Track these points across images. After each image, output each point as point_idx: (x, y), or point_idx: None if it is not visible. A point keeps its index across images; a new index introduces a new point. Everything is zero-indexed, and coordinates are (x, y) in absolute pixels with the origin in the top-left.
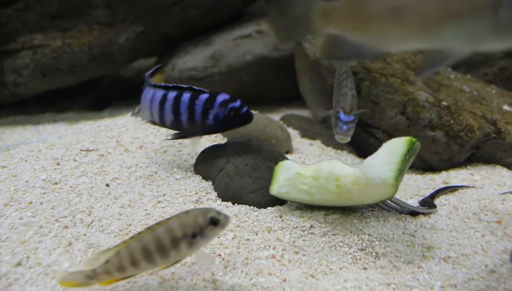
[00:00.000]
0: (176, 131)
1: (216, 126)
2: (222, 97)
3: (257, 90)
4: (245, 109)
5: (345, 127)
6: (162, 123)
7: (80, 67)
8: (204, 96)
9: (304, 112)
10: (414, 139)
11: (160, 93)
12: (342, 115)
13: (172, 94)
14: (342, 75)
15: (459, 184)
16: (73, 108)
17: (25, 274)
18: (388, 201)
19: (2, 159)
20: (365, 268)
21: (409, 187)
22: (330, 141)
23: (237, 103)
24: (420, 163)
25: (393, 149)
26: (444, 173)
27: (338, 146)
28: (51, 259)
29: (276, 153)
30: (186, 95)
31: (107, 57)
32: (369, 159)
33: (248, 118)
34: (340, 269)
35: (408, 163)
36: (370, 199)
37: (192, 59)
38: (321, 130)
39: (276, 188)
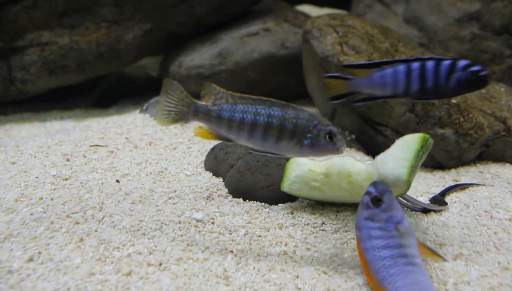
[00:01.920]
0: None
1: (458, 89)
2: (464, 62)
3: (264, 88)
4: (484, 73)
5: (342, 137)
6: (406, 93)
7: (87, 65)
8: (446, 62)
9: (311, 111)
10: (427, 136)
11: (403, 66)
12: (336, 130)
13: (416, 64)
14: (260, 110)
15: (469, 182)
16: (80, 105)
17: (37, 269)
18: (400, 198)
19: (12, 155)
20: None
21: (419, 184)
22: None
23: (478, 67)
24: (430, 161)
25: (406, 146)
26: (453, 171)
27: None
28: (62, 255)
29: None
30: (431, 63)
31: (114, 54)
32: (382, 156)
33: (485, 80)
34: (354, 265)
35: (421, 159)
36: None
37: (199, 57)
38: None
39: (288, 185)
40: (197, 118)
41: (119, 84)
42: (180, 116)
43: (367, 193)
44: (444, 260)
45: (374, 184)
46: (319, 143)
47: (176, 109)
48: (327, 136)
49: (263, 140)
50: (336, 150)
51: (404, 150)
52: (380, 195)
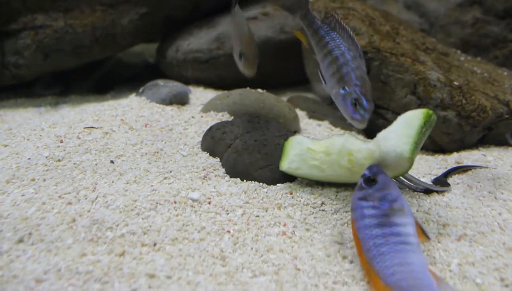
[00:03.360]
0: None
1: None
2: None
3: (262, 72)
4: None
5: (367, 115)
6: None
7: (82, 48)
8: None
9: (310, 96)
10: (431, 111)
11: None
12: (366, 103)
13: None
14: (341, 47)
15: (472, 164)
16: (76, 92)
17: (27, 250)
18: (401, 178)
19: (4, 138)
20: None
21: (420, 166)
22: (338, 122)
23: None
24: (431, 144)
25: (409, 122)
26: (455, 154)
27: (346, 127)
28: (54, 236)
29: (285, 130)
30: None
31: (110, 38)
32: (384, 132)
33: None
34: (353, 246)
35: (424, 136)
36: None
37: (196, 41)
38: (329, 111)
39: (286, 164)
40: (301, 21)
41: (115, 71)
42: (292, 10)
43: (362, 175)
44: (428, 238)
45: (369, 167)
46: (346, 102)
47: (295, 3)
48: (354, 101)
49: (326, 69)
50: (353, 119)
51: (406, 126)
52: (373, 176)
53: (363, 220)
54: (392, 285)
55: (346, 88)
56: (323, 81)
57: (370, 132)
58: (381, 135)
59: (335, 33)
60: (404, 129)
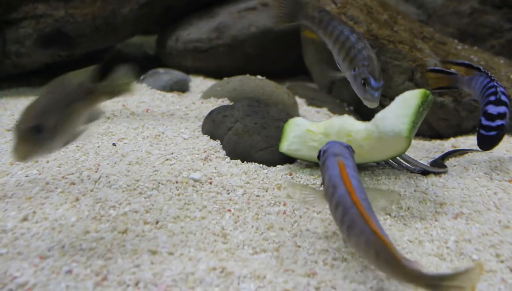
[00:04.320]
0: None
1: None
2: None
3: (261, 62)
4: None
5: (376, 94)
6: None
7: (83, 38)
8: None
9: (309, 85)
10: (428, 91)
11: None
12: (374, 82)
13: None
14: (344, 31)
15: (468, 148)
16: None
17: (31, 228)
18: (400, 159)
19: (7, 123)
20: None
21: (418, 150)
22: (337, 109)
23: None
24: (428, 130)
25: (406, 102)
26: (452, 139)
27: (344, 113)
28: (58, 214)
29: (284, 114)
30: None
31: (111, 28)
32: (382, 113)
33: None
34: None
35: (421, 115)
36: (382, 154)
37: (196, 31)
38: (327, 98)
39: (286, 145)
40: (306, 21)
41: (116, 62)
42: (293, 19)
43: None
44: None
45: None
46: (357, 82)
47: (290, 13)
48: (362, 80)
49: (338, 54)
50: (364, 99)
51: (404, 106)
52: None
53: (356, 176)
54: (390, 241)
55: (357, 69)
56: (340, 67)
57: (367, 119)
58: (379, 115)
59: (336, 21)
60: (402, 109)
